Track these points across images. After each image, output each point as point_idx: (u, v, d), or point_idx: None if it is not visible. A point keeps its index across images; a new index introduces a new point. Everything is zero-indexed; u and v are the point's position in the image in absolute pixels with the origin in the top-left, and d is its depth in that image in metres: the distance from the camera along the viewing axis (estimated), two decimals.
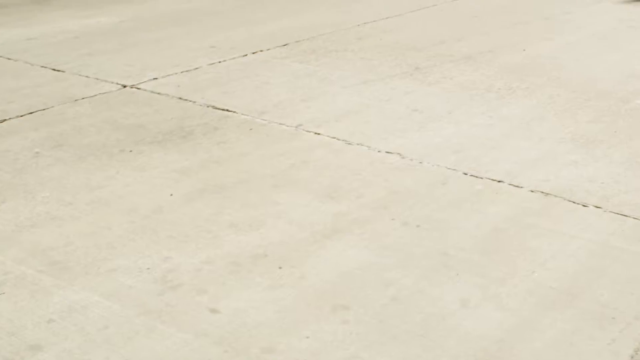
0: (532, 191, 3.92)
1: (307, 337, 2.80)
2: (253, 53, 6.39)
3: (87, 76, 5.71)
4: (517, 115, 4.96)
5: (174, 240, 3.47)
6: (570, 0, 8.41)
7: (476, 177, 4.08)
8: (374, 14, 7.69)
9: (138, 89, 5.49)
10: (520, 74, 5.79)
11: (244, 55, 6.33)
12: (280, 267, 3.24)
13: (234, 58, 6.26)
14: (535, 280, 3.16)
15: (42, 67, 5.90)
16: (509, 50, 6.42)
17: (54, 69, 5.88)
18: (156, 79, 5.73)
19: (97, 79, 5.69)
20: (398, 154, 4.37)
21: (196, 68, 6.00)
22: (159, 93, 5.42)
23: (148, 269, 3.22)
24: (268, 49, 6.47)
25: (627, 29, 7.15)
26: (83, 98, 5.30)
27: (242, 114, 4.98)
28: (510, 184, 3.99)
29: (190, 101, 5.23)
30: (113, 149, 4.46)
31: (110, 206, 3.77)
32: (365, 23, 7.36)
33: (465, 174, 4.11)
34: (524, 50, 6.44)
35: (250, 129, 4.75)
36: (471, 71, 5.87)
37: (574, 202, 3.80)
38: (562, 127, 4.76)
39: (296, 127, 4.77)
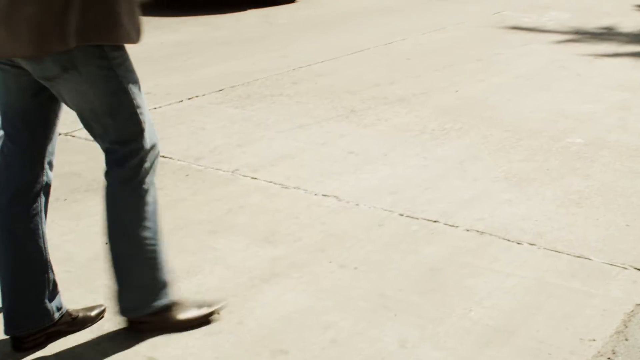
0: (467, 230, 3.97)
1: None
2: (188, 99, 6.40)
3: None
4: (451, 155, 5.03)
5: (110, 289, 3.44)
6: (501, 42, 8.57)
7: (412, 217, 4.12)
8: (308, 59, 7.76)
9: (72, 136, 5.45)
10: (454, 115, 5.87)
11: (179, 101, 6.34)
12: (218, 313, 3.23)
13: (169, 104, 6.25)
14: (472, 318, 3.19)
15: None
16: (442, 92, 6.51)
17: None
18: None
19: None
20: (334, 196, 4.39)
21: None
22: (93, 140, 5.38)
23: None
24: (203, 95, 6.48)
25: (557, 69, 7.31)
26: None
27: (178, 160, 4.97)
28: (445, 224, 4.04)
29: None
30: None
31: None
32: (299, 67, 7.41)
33: (401, 215, 4.15)
34: (457, 91, 6.54)
35: (187, 175, 4.74)
36: (405, 113, 5.94)
37: (508, 240, 3.86)
38: (495, 166, 4.83)
39: (232, 172, 4.77)
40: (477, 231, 3.95)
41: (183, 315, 3.11)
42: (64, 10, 2.58)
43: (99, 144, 2.95)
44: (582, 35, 8.96)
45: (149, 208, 2.96)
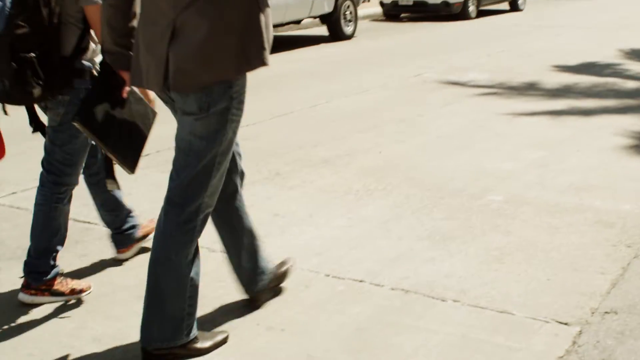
0: (392, 289, 4.02)
1: None
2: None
3: None
4: (375, 215, 5.10)
5: (34, 358, 3.40)
6: (422, 103, 8.74)
7: (338, 278, 4.16)
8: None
9: None
10: (377, 175, 5.96)
11: None
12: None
13: None
14: None
15: None
16: (365, 153, 6.61)
17: None
18: (15, 193, 5.65)
19: None
20: None
21: None
22: (18, 207, 5.34)
23: None
24: None
25: (477, 128, 7.48)
26: None
27: (104, 226, 4.94)
28: (371, 283, 4.09)
29: None
30: None
31: None
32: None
33: (328, 275, 4.19)
34: (380, 152, 6.65)
35: None
36: (330, 174, 6.02)
37: (433, 298, 3.92)
38: (419, 225, 4.91)
39: None
40: (402, 289, 4.01)
41: (202, 344, 3.42)
42: (246, 36, 3.14)
43: (170, 180, 3.36)
44: (501, 95, 9.19)
45: (196, 249, 3.34)
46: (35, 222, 3.95)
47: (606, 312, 3.73)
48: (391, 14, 19.77)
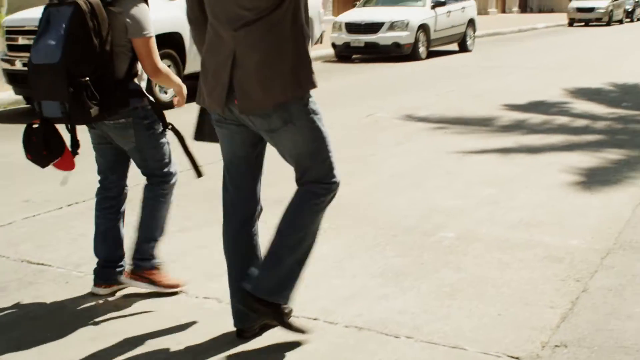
0: (346, 327, 4.07)
1: None
2: (68, 205, 6.37)
3: None
4: (329, 254, 5.15)
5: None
6: (374, 143, 8.83)
7: (292, 316, 4.16)
8: (188, 163, 7.79)
9: None
10: (331, 215, 5.92)
11: (59, 208, 6.31)
12: None
13: (48, 211, 6.22)
14: None
15: None
16: None
17: None
18: None
19: None
20: (215, 298, 4.44)
21: (10, 223, 5.93)
22: None
23: None
24: (84, 201, 6.46)
25: (428, 167, 7.58)
26: None
27: (58, 268, 4.94)
28: (325, 321, 4.13)
29: (3, 257, 5.16)
30: None
31: None
32: (180, 171, 7.45)
33: None
34: None
35: (67, 282, 4.72)
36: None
37: (386, 335, 3.97)
38: (372, 263, 4.97)
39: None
40: (356, 327, 4.06)
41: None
42: (296, 63, 3.58)
43: (298, 182, 3.88)
44: (451, 134, 9.33)
45: (317, 232, 3.91)
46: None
47: (556, 346, 3.81)
48: (343, 55, 19.98)
